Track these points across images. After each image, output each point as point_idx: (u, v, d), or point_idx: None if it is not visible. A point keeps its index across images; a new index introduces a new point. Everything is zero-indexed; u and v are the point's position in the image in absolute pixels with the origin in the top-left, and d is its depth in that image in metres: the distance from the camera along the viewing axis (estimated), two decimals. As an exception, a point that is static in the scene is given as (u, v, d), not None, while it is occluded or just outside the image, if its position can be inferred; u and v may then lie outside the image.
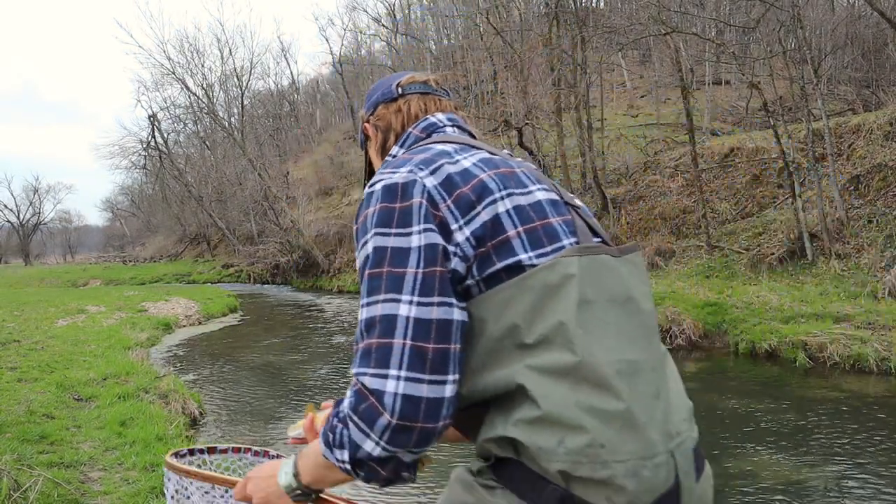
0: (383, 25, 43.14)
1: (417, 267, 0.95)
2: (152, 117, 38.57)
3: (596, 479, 0.89)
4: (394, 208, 0.99)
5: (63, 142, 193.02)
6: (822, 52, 19.20)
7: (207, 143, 40.35)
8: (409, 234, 0.96)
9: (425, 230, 0.97)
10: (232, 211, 35.76)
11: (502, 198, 1.02)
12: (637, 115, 26.06)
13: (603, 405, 0.91)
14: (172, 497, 1.32)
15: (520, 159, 1.18)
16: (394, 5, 42.87)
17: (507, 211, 1.01)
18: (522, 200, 1.04)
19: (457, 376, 0.94)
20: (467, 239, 0.98)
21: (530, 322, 0.94)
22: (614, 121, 24.73)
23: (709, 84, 25.19)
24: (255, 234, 32.74)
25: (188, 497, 1.30)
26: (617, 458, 0.89)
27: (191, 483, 1.29)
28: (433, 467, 1.13)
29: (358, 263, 1.02)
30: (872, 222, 10.47)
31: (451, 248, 0.97)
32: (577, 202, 1.15)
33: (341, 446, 0.95)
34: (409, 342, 0.91)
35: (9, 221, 58.60)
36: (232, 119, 39.14)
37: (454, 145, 1.11)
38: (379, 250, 0.97)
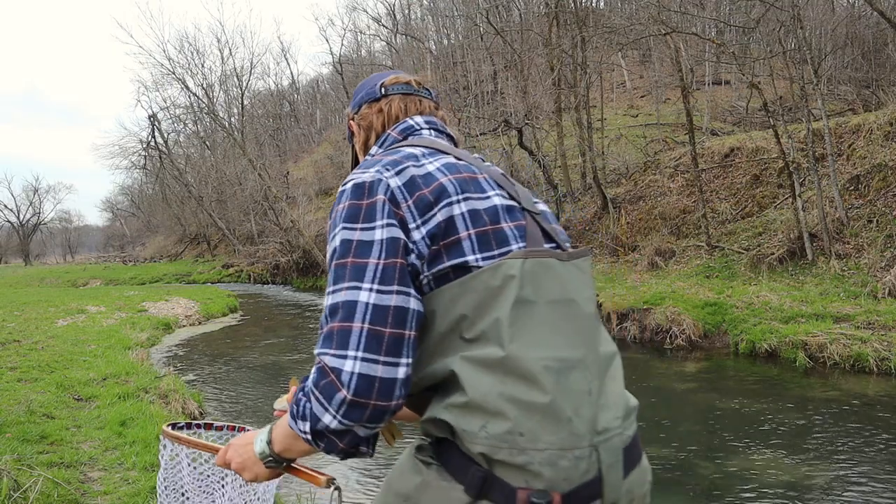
0: (383, 25, 43.17)
1: (378, 258, 1.02)
2: (152, 117, 38.60)
3: (513, 463, 0.96)
4: (360, 205, 1.06)
5: (64, 144, 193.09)
6: (822, 52, 19.19)
7: (207, 143, 40.36)
8: (373, 228, 1.04)
9: (388, 225, 1.04)
10: (232, 211, 35.77)
11: (458, 201, 1.09)
12: (637, 115, 26.06)
13: (526, 397, 0.97)
14: (167, 464, 1.44)
15: (488, 164, 1.24)
16: (394, 5, 42.89)
17: (462, 214, 1.08)
18: (479, 205, 1.10)
19: (410, 360, 1.02)
20: (423, 237, 1.05)
21: (473, 319, 1.02)
22: (614, 121, 24.73)
23: (709, 84, 25.20)
24: (255, 234, 32.74)
25: (178, 464, 1.44)
26: (535, 447, 0.96)
27: (182, 450, 1.41)
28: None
29: (327, 255, 1.09)
30: (872, 222, 10.47)
31: (410, 245, 1.05)
32: (540, 207, 1.22)
33: (304, 418, 1.03)
34: (367, 326, 0.99)
35: (9, 221, 58.61)
36: (232, 119, 39.16)
37: (423, 149, 1.17)
38: (345, 243, 1.05)
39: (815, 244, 10.59)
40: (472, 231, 1.07)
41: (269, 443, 1.14)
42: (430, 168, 1.12)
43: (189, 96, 34.46)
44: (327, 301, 1.04)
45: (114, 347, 9.31)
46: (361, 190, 1.08)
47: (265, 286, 25.98)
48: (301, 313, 16.24)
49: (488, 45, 27.41)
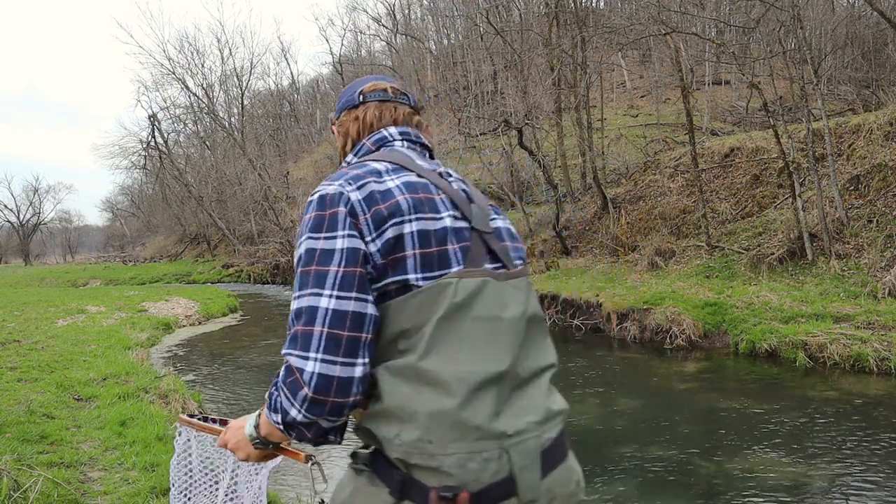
0: (383, 25, 43.17)
1: (339, 266, 1.10)
2: (152, 117, 38.57)
3: (427, 466, 1.06)
4: (324, 216, 1.14)
5: (64, 144, 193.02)
6: (822, 52, 19.20)
7: (207, 143, 40.35)
8: (335, 237, 1.11)
9: (349, 235, 1.12)
10: (232, 211, 35.76)
11: (410, 220, 1.14)
12: (637, 115, 26.07)
13: (435, 406, 1.05)
14: (183, 450, 1.58)
15: (454, 178, 1.29)
16: (394, 5, 42.89)
17: (412, 233, 1.14)
18: (430, 226, 1.16)
19: (367, 360, 1.10)
20: (378, 250, 1.12)
21: (407, 333, 1.10)
22: (614, 121, 24.74)
23: (709, 84, 25.21)
24: (255, 234, 32.74)
25: (190, 448, 1.58)
26: (444, 452, 1.05)
27: (195, 435, 1.56)
28: None
29: (294, 261, 1.16)
30: (872, 222, 10.46)
31: (368, 255, 1.13)
32: (495, 225, 1.27)
33: (276, 410, 1.13)
34: (326, 329, 1.08)
35: (9, 221, 58.60)
36: (232, 119, 39.16)
37: (388, 165, 1.23)
38: (309, 251, 1.13)
39: (815, 244, 10.59)
40: (417, 251, 1.13)
41: (257, 427, 1.24)
42: (391, 185, 1.17)
43: (189, 96, 34.52)
44: (293, 305, 1.13)
45: (114, 347, 9.31)
46: (325, 201, 1.14)
47: (265, 286, 25.97)
48: (301, 313, 16.21)
49: (488, 45, 27.41)
